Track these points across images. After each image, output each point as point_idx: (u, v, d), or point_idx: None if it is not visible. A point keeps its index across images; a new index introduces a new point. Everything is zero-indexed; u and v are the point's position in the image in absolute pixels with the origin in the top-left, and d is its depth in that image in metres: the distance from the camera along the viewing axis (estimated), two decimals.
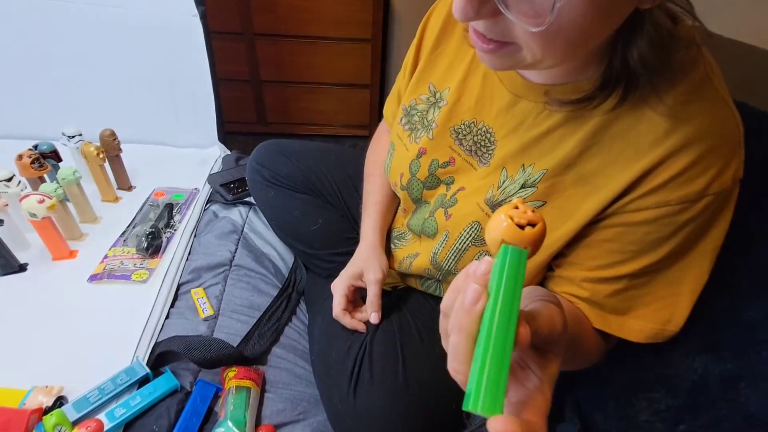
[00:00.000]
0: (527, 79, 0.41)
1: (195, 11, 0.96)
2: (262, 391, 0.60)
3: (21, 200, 0.64)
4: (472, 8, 0.27)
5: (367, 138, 0.67)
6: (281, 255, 0.86)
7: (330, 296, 0.64)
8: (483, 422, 0.47)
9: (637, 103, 0.36)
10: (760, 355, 0.39)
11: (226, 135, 1.15)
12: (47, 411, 0.51)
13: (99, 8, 0.95)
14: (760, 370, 0.39)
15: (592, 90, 0.36)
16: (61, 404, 0.53)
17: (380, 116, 0.70)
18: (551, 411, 0.24)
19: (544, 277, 0.48)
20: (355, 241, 0.67)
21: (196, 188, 0.94)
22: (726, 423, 0.40)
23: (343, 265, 0.67)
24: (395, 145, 0.57)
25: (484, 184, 0.47)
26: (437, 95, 0.51)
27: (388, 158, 0.59)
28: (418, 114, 0.53)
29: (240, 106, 1.93)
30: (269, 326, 0.69)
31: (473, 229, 0.47)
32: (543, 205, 0.42)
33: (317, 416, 0.60)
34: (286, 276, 0.81)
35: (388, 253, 0.65)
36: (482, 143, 0.47)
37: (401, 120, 0.56)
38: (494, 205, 0.45)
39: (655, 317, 0.40)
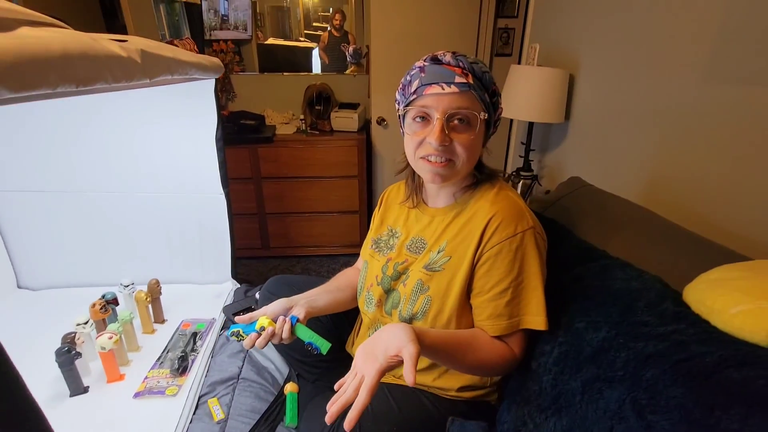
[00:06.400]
0: (435, 207, 0.80)
1: (221, 191, 1.36)
2: None
3: (97, 338, 0.92)
4: (444, 139, 0.67)
5: (357, 255, 0.98)
6: (278, 368, 1.10)
7: (311, 398, 0.87)
8: None
9: (478, 200, 0.75)
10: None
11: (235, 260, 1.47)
12: None
13: (155, 195, 1.37)
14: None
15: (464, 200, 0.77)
16: None
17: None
18: None
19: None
20: (337, 354, 0.91)
21: (213, 318, 1.22)
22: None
23: (328, 371, 0.93)
24: (368, 262, 0.87)
25: (420, 260, 0.78)
26: (392, 230, 0.87)
27: (363, 273, 0.88)
28: (383, 242, 0.87)
29: (248, 235, 2.32)
30: (266, 426, 0.91)
31: (418, 284, 0.76)
32: (450, 259, 0.74)
33: None
34: (282, 384, 1.04)
35: None
36: (420, 245, 0.80)
37: (372, 246, 0.89)
38: (430, 267, 0.76)
39: (538, 310, 0.70)
